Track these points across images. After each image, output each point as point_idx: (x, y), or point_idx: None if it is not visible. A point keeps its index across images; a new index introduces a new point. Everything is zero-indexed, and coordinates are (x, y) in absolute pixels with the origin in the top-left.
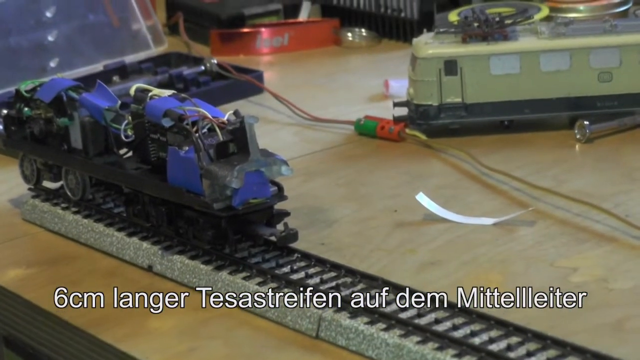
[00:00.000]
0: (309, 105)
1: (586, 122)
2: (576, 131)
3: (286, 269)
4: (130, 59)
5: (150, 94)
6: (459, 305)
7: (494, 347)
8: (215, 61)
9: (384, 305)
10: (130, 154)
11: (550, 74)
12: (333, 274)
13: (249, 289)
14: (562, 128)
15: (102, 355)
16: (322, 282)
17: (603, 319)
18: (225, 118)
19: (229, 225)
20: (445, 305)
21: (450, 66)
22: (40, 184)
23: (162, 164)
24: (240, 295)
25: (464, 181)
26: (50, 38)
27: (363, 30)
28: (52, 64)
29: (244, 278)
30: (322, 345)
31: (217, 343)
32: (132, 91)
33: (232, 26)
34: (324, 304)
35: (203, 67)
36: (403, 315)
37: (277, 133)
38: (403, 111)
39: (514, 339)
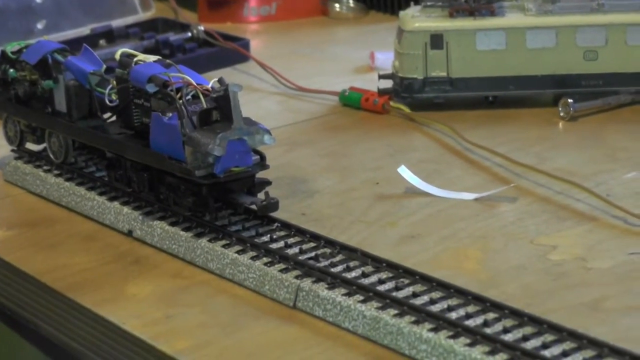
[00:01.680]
0: (294, 75)
1: (570, 100)
2: (560, 109)
3: (266, 238)
4: (117, 23)
5: (135, 59)
6: (437, 280)
7: (470, 323)
8: (202, 28)
9: (362, 278)
10: (113, 118)
11: (536, 51)
12: (312, 244)
13: (228, 256)
14: (546, 105)
15: (80, 320)
16: (302, 252)
17: (581, 297)
18: (210, 85)
19: (209, 192)
20: (424, 279)
21: (436, 40)
22: (24, 146)
23: (146, 129)
24: (219, 263)
25: (447, 156)
26: (38, 0)
27: (351, 1)
28: (39, 26)
29: (224, 246)
30: (299, 316)
31: (194, 310)
32: (117, 56)
33: None
34: (302, 274)
35: (190, 34)
36: (381, 288)
37: (261, 102)
38: (388, 84)
39: (491, 315)
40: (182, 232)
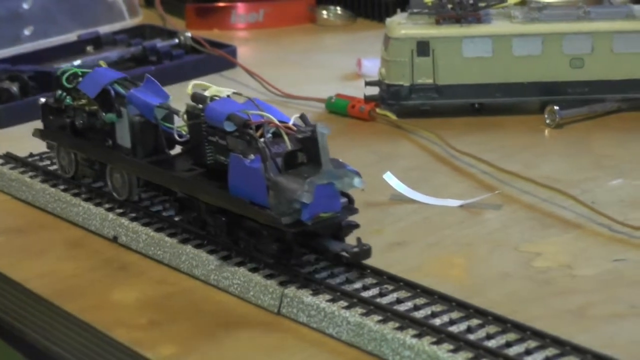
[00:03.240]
0: (281, 82)
1: (556, 108)
2: (546, 116)
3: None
4: (104, 29)
5: (209, 93)
6: (421, 286)
7: (454, 329)
8: (190, 35)
9: (346, 284)
10: (177, 150)
11: (522, 59)
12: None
13: (212, 263)
14: (532, 113)
15: (66, 326)
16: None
17: (565, 305)
18: (291, 123)
19: (295, 239)
20: (408, 286)
21: (423, 47)
22: (80, 179)
23: (220, 167)
24: (204, 269)
25: (433, 163)
26: (25, 6)
27: (338, 8)
28: (27, 32)
29: (209, 252)
30: (284, 322)
31: (179, 317)
32: (189, 89)
33: (207, 0)
34: (287, 280)
35: (177, 41)
36: (365, 294)
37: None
38: (375, 91)
39: (475, 321)
40: (167, 238)
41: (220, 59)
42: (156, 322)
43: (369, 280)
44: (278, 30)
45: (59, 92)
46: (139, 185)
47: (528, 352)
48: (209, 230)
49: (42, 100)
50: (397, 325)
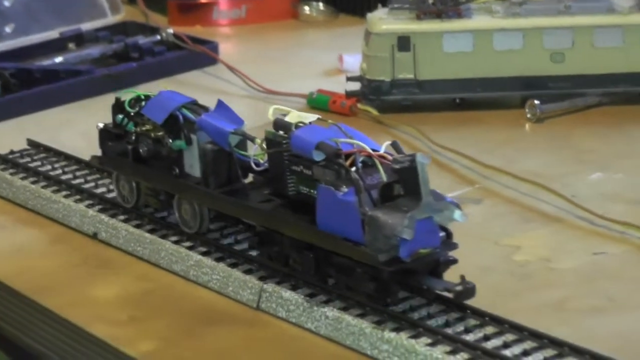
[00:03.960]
0: (263, 78)
1: (537, 102)
2: (527, 111)
3: (230, 240)
4: (86, 26)
5: (290, 119)
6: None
7: (432, 323)
8: (172, 31)
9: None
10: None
11: (503, 53)
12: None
13: (192, 258)
14: (513, 107)
15: (45, 322)
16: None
17: (544, 298)
18: (382, 150)
19: (392, 278)
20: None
21: (404, 42)
22: (141, 209)
23: (303, 199)
24: (183, 265)
25: None
26: (6, 3)
27: (321, 4)
28: (8, 30)
29: (189, 248)
30: (263, 317)
31: (159, 313)
32: (270, 114)
33: None
34: (266, 275)
35: (159, 37)
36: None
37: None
38: (356, 86)
39: (453, 315)
40: (146, 234)
41: (202, 55)
42: (136, 318)
43: None
44: (260, 26)
45: (120, 116)
46: (211, 217)
47: (506, 345)
48: (295, 267)
49: (100, 125)
50: (375, 319)
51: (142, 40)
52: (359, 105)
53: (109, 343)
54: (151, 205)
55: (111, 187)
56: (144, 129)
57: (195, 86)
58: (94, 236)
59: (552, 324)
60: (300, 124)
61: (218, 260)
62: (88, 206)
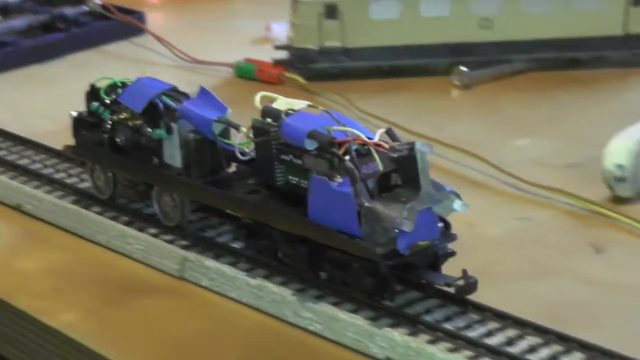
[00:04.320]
0: (190, 48)
1: (464, 69)
2: (454, 77)
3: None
4: None
5: (279, 105)
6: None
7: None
8: (99, 1)
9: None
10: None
11: (430, 20)
12: (201, 214)
13: (116, 229)
14: (441, 74)
15: None
16: (191, 222)
17: (470, 263)
18: (377, 138)
19: (391, 272)
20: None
21: (331, 10)
22: (117, 200)
23: (293, 190)
24: (107, 236)
25: None
26: None
27: None
28: None
29: (112, 218)
30: (187, 286)
31: (82, 283)
32: (257, 101)
33: None
34: (189, 244)
35: (85, 7)
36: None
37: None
38: (284, 55)
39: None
40: (70, 206)
41: (129, 26)
42: (59, 289)
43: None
44: None
45: (95, 104)
46: (193, 210)
47: (428, 310)
48: (285, 261)
49: (74, 113)
50: (298, 286)
51: (68, 11)
52: (286, 74)
53: (31, 314)
54: (128, 198)
55: (35, 158)
56: (121, 117)
57: (122, 57)
58: (18, 208)
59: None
60: (290, 112)
61: (141, 230)
62: (12, 178)
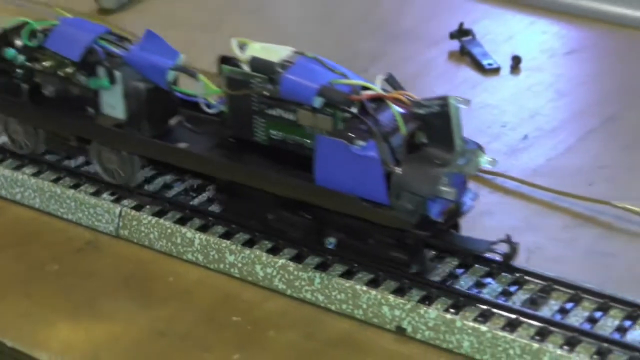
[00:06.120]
0: None
1: None
2: None
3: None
4: None
5: (264, 54)
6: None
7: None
8: None
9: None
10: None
11: None
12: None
13: (44, 186)
14: None
15: None
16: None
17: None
18: (379, 87)
19: (421, 242)
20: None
21: None
22: (41, 154)
23: (279, 146)
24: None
25: None
26: None
27: None
28: None
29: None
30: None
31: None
32: (233, 47)
33: None
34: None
35: None
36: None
37: None
38: None
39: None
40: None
41: None
42: None
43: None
44: None
45: (11, 51)
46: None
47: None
48: (287, 231)
49: None
50: (246, 238)
51: None
52: None
53: None
54: (57, 152)
55: None
56: (45, 65)
57: None
58: None
59: None
60: (287, 63)
61: (73, 188)
62: None
